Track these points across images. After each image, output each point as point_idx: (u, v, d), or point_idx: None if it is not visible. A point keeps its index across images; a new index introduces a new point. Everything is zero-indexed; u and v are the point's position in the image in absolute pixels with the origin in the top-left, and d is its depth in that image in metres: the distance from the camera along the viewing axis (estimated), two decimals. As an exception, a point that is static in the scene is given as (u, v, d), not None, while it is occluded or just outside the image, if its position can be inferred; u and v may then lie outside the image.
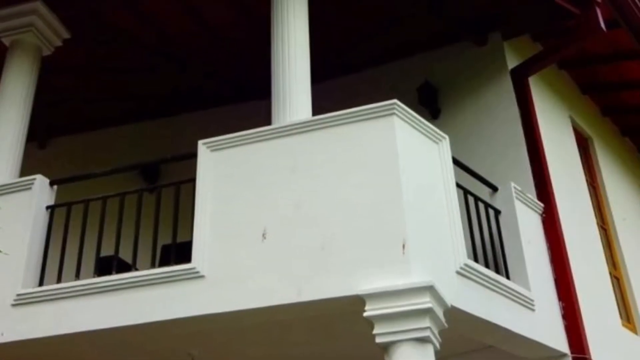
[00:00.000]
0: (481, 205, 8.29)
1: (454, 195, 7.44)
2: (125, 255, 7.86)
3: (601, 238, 11.05)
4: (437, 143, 7.59)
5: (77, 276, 7.79)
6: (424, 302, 6.23)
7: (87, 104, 12.69)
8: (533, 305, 8.02)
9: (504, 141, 9.82)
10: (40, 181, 8.26)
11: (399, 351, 6.23)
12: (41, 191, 8.24)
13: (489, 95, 10.27)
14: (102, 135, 13.04)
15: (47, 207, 8.27)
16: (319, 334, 7.56)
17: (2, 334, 7.50)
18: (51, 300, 7.54)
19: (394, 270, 6.44)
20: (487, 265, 7.84)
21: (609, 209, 11.78)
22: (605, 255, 10.89)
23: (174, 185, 7.86)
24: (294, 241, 6.90)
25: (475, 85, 10.45)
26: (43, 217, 8.19)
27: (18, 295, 7.63)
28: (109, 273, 7.56)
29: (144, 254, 7.71)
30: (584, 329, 8.68)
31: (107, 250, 7.90)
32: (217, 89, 12.16)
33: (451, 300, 6.60)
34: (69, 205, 8.24)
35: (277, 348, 7.98)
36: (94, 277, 7.63)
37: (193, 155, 7.72)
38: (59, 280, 7.82)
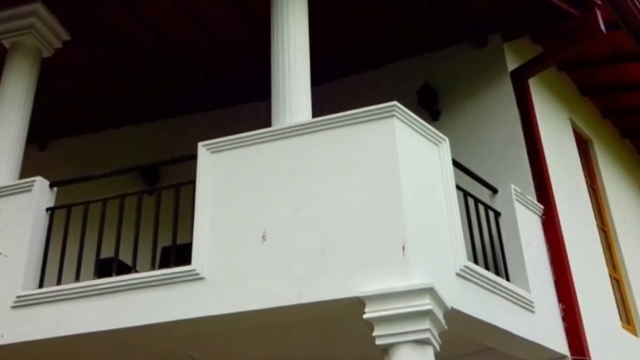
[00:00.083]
0: (481, 207, 8.29)
1: (453, 197, 7.44)
2: (125, 257, 7.85)
3: (601, 240, 11.05)
4: (437, 145, 7.59)
5: (77, 278, 7.79)
6: (424, 304, 6.23)
7: (87, 105, 12.69)
8: (533, 307, 8.02)
9: (504, 143, 9.82)
10: (40, 183, 8.26)
11: (398, 353, 6.23)
12: (41, 193, 8.24)
13: (488, 97, 10.28)
14: (102, 137, 13.04)
15: (47, 209, 8.27)
16: (318, 335, 7.56)
17: (2, 336, 7.50)
18: (51, 302, 7.53)
19: (393, 272, 6.44)
20: (487, 267, 7.84)
21: (609, 211, 11.78)
22: (605, 257, 10.89)
23: (173, 187, 7.85)
24: (294, 243, 6.90)
25: (475, 87, 10.45)
26: (43, 219, 8.20)
27: (18, 297, 7.63)
28: (109, 275, 7.56)
29: (144, 255, 7.71)
30: (584, 331, 8.68)
31: (107, 252, 7.90)
32: (217, 91, 12.16)
33: (451, 302, 6.60)
34: (68, 207, 8.24)
35: (277, 350, 7.97)
36: (93, 279, 7.64)
37: (193, 157, 7.72)
38: (58, 282, 7.82)
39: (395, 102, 7.15)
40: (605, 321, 9.86)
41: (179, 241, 7.67)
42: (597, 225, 11.17)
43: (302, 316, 6.85)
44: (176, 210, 7.76)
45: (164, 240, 7.83)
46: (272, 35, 8.43)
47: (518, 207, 8.56)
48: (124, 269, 7.82)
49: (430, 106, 10.57)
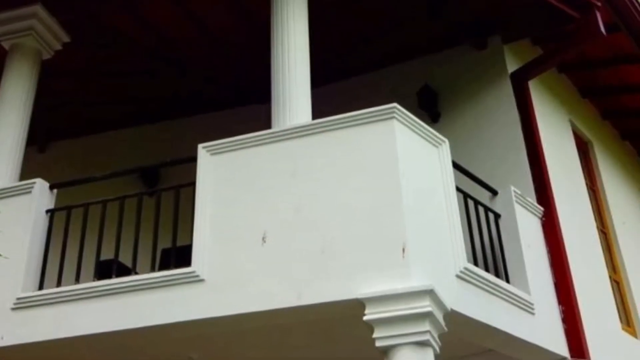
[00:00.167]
0: (481, 209, 8.28)
1: (453, 198, 7.44)
2: (125, 259, 7.86)
3: (601, 242, 11.05)
4: (437, 147, 7.59)
5: (77, 280, 7.80)
6: (424, 305, 6.23)
7: (87, 107, 12.69)
8: (533, 309, 8.02)
9: (503, 145, 9.82)
10: (40, 185, 8.27)
11: (398, 355, 6.23)
12: (41, 195, 8.24)
13: (488, 99, 10.28)
14: (102, 139, 13.04)
15: (47, 211, 8.27)
16: (318, 337, 7.56)
17: (2, 338, 7.50)
18: (51, 304, 7.54)
19: (393, 274, 6.45)
20: (487, 269, 7.84)
21: (609, 213, 11.78)
22: (605, 259, 10.89)
23: (173, 189, 7.86)
24: (293, 245, 6.90)
25: (475, 89, 10.46)
26: (43, 220, 8.20)
27: (18, 299, 7.64)
28: (109, 277, 7.57)
29: (144, 257, 7.71)
30: (583, 333, 8.68)
31: (107, 254, 7.90)
32: (217, 92, 12.16)
33: (451, 304, 6.60)
34: (68, 209, 8.25)
35: (277, 352, 7.97)
36: (93, 280, 7.64)
37: (193, 159, 7.72)
38: (58, 284, 7.83)
39: (395, 104, 7.16)
40: (605, 323, 9.86)
41: (179, 243, 7.67)
42: (597, 227, 11.17)
43: (302, 318, 6.85)
44: (176, 212, 7.76)
45: (164, 242, 7.83)
46: (272, 37, 8.43)
47: (518, 209, 8.56)
48: (124, 271, 7.83)
49: (430, 108, 10.57)
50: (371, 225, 6.73)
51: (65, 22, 9.85)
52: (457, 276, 7.04)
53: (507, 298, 7.65)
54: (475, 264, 7.60)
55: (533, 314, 8.02)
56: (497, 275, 7.96)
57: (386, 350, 6.30)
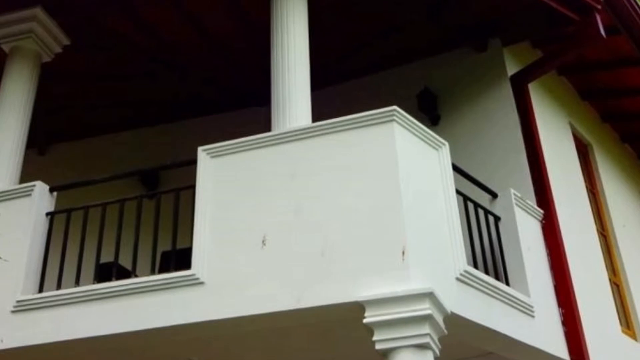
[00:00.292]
0: (481, 212, 8.28)
1: (453, 201, 7.44)
2: (125, 261, 7.86)
3: (601, 244, 11.04)
4: (436, 149, 7.59)
5: (77, 283, 7.80)
6: (424, 308, 6.23)
7: (87, 110, 12.69)
8: (533, 311, 8.01)
9: (503, 147, 9.83)
10: (40, 188, 8.26)
11: (398, 357, 6.23)
12: (41, 198, 8.24)
13: (488, 101, 10.28)
14: (102, 142, 13.04)
15: (47, 214, 8.27)
16: (318, 340, 7.55)
17: (2, 341, 7.50)
18: (51, 306, 7.53)
19: (393, 276, 6.44)
20: (486, 272, 7.84)
21: (609, 216, 11.78)
22: (605, 261, 10.89)
23: (173, 191, 7.85)
24: (293, 248, 6.90)
25: (474, 91, 10.46)
26: (43, 223, 8.19)
27: (18, 301, 7.63)
28: (109, 279, 7.56)
29: (144, 260, 7.71)
30: (583, 336, 8.68)
31: (106, 257, 7.90)
32: (216, 95, 12.17)
33: (451, 306, 6.60)
34: (68, 211, 8.24)
35: (276, 354, 7.97)
36: (93, 283, 7.63)
37: (193, 162, 7.72)
38: (58, 287, 7.82)
39: (395, 107, 7.16)
40: (605, 326, 9.86)
41: (179, 246, 7.67)
42: (597, 230, 11.17)
43: (302, 321, 6.85)
44: (176, 215, 7.76)
45: (164, 245, 7.84)
46: (271, 40, 8.44)
47: (518, 211, 8.56)
48: (124, 274, 7.82)
49: (430, 111, 10.57)
50: (371, 228, 6.73)
51: (65, 24, 9.85)
52: (457, 279, 7.04)
53: (507, 301, 7.65)
54: (475, 266, 7.60)
55: (533, 316, 8.01)
56: (497, 278, 7.96)
57: (386, 353, 6.30)
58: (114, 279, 7.58)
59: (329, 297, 6.56)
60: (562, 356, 8.36)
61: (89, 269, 7.93)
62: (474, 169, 8.57)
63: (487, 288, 7.39)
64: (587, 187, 11.48)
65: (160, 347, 7.62)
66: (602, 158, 12.40)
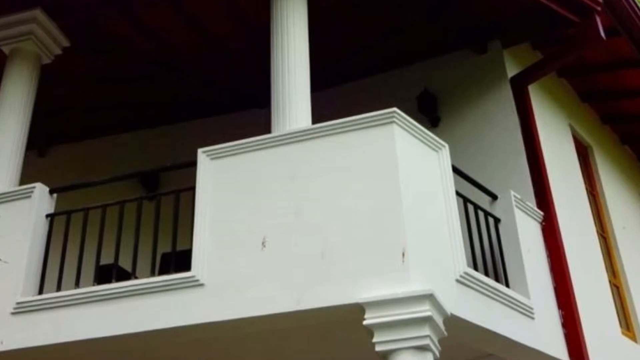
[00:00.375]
0: (481, 214, 8.28)
1: (453, 203, 7.43)
2: (125, 263, 7.86)
3: (601, 246, 11.05)
4: (436, 151, 7.59)
5: (77, 284, 7.79)
6: (424, 310, 6.23)
7: (86, 112, 12.69)
8: (533, 313, 8.01)
9: (503, 149, 9.82)
10: (40, 189, 8.26)
11: (398, 359, 6.23)
12: (41, 199, 8.23)
13: (488, 103, 10.28)
14: (101, 144, 13.04)
15: (47, 216, 8.27)
16: (318, 342, 7.55)
17: (2, 342, 7.50)
18: (51, 308, 7.53)
19: (393, 278, 6.44)
20: (486, 274, 7.84)
21: (609, 217, 11.78)
22: (605, 263, 10.89)
23: (173, 193, 7.86)
24: (293, 249, 6.89)
25: (474, 93, 10.46)
26: (43, 225, 8.19)
27: (18, 303, 7.63)
28: (109, 281, 7.56)
29: (144, 262, 7.71)
30: (583, 338, 8.68)
31: (106, 259, 7.90)
32: (216, 97, 12.17)
33: (451, 308, 6.60)
34: (68, 213, 8.24)
35: (276, 356, 7.96)
36: (93, 285, 7.63)
37: (193, 164, 7.72)
38: (58, 289, 7.82)
39: (394, 109, 7.16)
40: (605, 327, 9.86)
41: (179, 247, 7.67)
42: (597, 232, 11.17)
43: (301, 322, 6.85)
44: (176, 217, 7.76)
45: (164, 247, 7.84)
46: (271, 42, 8.44)
47: (518, 213, 8.56)
48: (124, 276, 7.82)
49: (430, 112, 10.57)
50: (371, 230, 6.72)
51: (65, 26, 9.84)
52: (457, 281, 7.03)
53: (507, 302, 7.65)
54: (475, 268, 7.60)
55: (533, 318, 8.01)
56: (496, 279, 7.96)
57: (386, 355, 6.30)
58: (113, 280, 7.57)
59: (329, 299, 6.55)
60: (562, 358, 8.36)
61: (88, 270, 7.92)
62: (474, 171, 8.58)
63: (487, 290, 7.39)
64: (587, 189, 11.48)
65: (160, 349, 7.61)
66: (602, 160, 12.40)
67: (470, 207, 8.09)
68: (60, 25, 9.79)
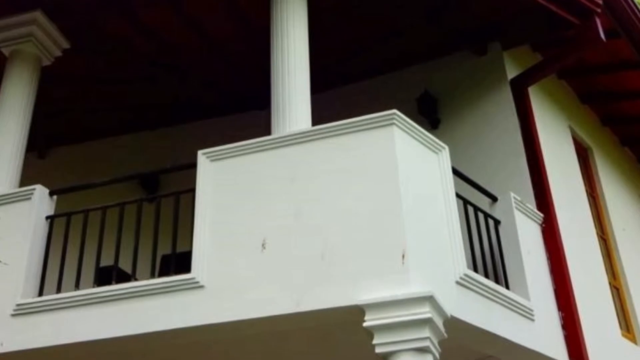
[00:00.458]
0: (481, 216, 8.28)
1: (453, 205, 7.43)
2: (125, 265, 7.85)
3: (601, 248, 11.04)
4: (436, 153, 7.59)
5: (77, 286, 7.79)
6: (424, 312, 6.23)
7: (86, 114, 12.69)
8: (533, 315, 8.01)
9: (503, 151, 9.82)
10: (40, 191, 8.26)
11: (398, 361, 6.24)
12: (41, 201, 8.23)
13: (488, 105, 10.28)
14: (101, 145, 13.04)
15: (47, 217, 8.27)
16: (318, 344, 7.55)
17: (2, 344, 7.49)
18: (51, 310, 7.53)
19: (393, 280, 6.44)
20: (486, 276, 7.84)
21: (609, 219, 11.78)
22: (605, 265, 10.89)
23: (173, 195, 7.85)
24: (293, 251, 6.89)
25: (474, 95, 10.46)
26: (43, 227, 8.19)
27: (18, 305, 7.63)
28: (109, 283, 7.56)
29: (144, 264, 7.71)
30: (583, 339, 8.67)
31: (106, 260, 7.90)
32: (216, 99, 12.16)
33: (451, 310, 6.60)
34: (68, 215, 8.24)
35: (276, 358, 7.96)
36: (93, 287, 7.63)
37: (193, 165, 7.72)
38: (58, 290, 7.82)
39: (394, 110, 7.16)
40: (605, 329, 9.86)
41: (179, 249, 7.67)
42: (597, 234, 11.16)
43: (301, 324, 6.84)
44: (176, 219, 7.76)
45: (164, 249, 7.83)
46: (271, 44, 8.44)
47: (518, 215, 8.56)
48: (124, 277, 7.82)
49: (430, 114, 10.58)
50: (371, 232, 6.72)
51: (65, 28, 9.84)
52: (457, 282, 7.04)
53: (506, 304, 7.65)
54: (475, 270, 7.60)
55: (533, 320, 8.01)
56: (496, 281, 7.96)
57: (386, 357, 6.29)
58: (113, 282, 7.57)
59: (328, 301, 6.55)
60: (562, 360, 8.38)
61: (88, 272, 7.92)
62: (473, 173, 8.58)
63: (487, 291, 7.39)
64: (587, 191, 11.48)
65: (160, 350, 7.61)
66: (602, 161, 12.40)
67: (470, 209, 8.09)
68: (60, 26, 9.80)
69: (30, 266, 7.87)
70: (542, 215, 9.13)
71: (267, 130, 7.97)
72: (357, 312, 6.39)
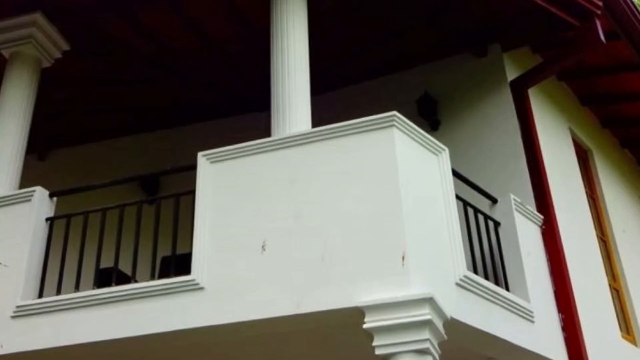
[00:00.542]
0: (481, 217, 8.28)
1: (453, 207, 7.43)
2: (125, 267, 7.86)
3: (601, 250, 11.04)
4: (436, 155, 7.59)
5: (77, 288, 7.79)
6: (424, 313, 6.23)
7: (86, 115, 12.69)
8: (532, 317, 8.01)
9: (503, 153, 9.82)
10: (40, 193, 8.26)
11: (398, 363, 6.24)
12: (41, 203, 8.24)
13: (488, 107, 10.28)
14: (101, 147, 13.04)
15: (47, 219, 8.27)
16: (318, 345, 7.55)
17: (2, 346, 7.49)
18: (51, 312, 7.53)
19: (393, 282, 6.44)
20: (486, 277, 7.84)
21: (609, 221, 11.78)
22: (605, 267, 10.88)
23: (173, 197, 7.85)
24: (293, 253, 6.89)
25: (474, 97, 10.46)
26: (42, 229, 8.19)
27: (17, 307, 7.63)
28: (109, 285, 7.56)
29: (144, 265, 7.71)
30: (583, 341, 8.67)
31: (106, 262, 7.90)
32: (216, 100, 12.16)
33: (451, 312, 6.59)
34: (68, 217, 8.24)
35: (276, 360, 7.98)
36: (93, 288, 7.63)
37: (193, 167, 7.72)
38: (58, 292, 7.82)
39: (394, 112, 7.16)
40: (604, 331, 9.85)
41: (179, 251, 7.67)
42: (597, 235, 11.16)
43: (301, 326, 6.85)
44: (176, 220, 7.76)
45: (164, 250, 7.83)
46: (271, 45, 8.44)
47: (518, 217, 8.55)
48: (124, 279, 7.83)
49: (429, 116, 10.57)
50: (371, 233, 6.72)
51: (65, 30, 9.84)
52: (457, 284, 7.03)
53: (506, 306, 7.65)
54: (475, 272, 7.60)
55: (533, 322, 8.01)
56: (496, 283, 7.96)
57: (386, 358, 6.29)
58: (113, 284, 7.58)
59: (328, 302, 6.55)
60: (562, 361, 8.37)
61: (88, 274, 7.92)
62: (473, 174, 8.57)
63: (487, 293, 7.39)
64: (587, 193, 11.48)
65: (160, 352, 7.61)
66: (602, 163, 12.40)
67: (470, 211, 8.09)
68: (60, 28, 9.80)
69: (30, 268, 7.87)
70: (542, 217, 9.13)
71: (267, 132, 7.96)
72: (357, 313, 6.39)
